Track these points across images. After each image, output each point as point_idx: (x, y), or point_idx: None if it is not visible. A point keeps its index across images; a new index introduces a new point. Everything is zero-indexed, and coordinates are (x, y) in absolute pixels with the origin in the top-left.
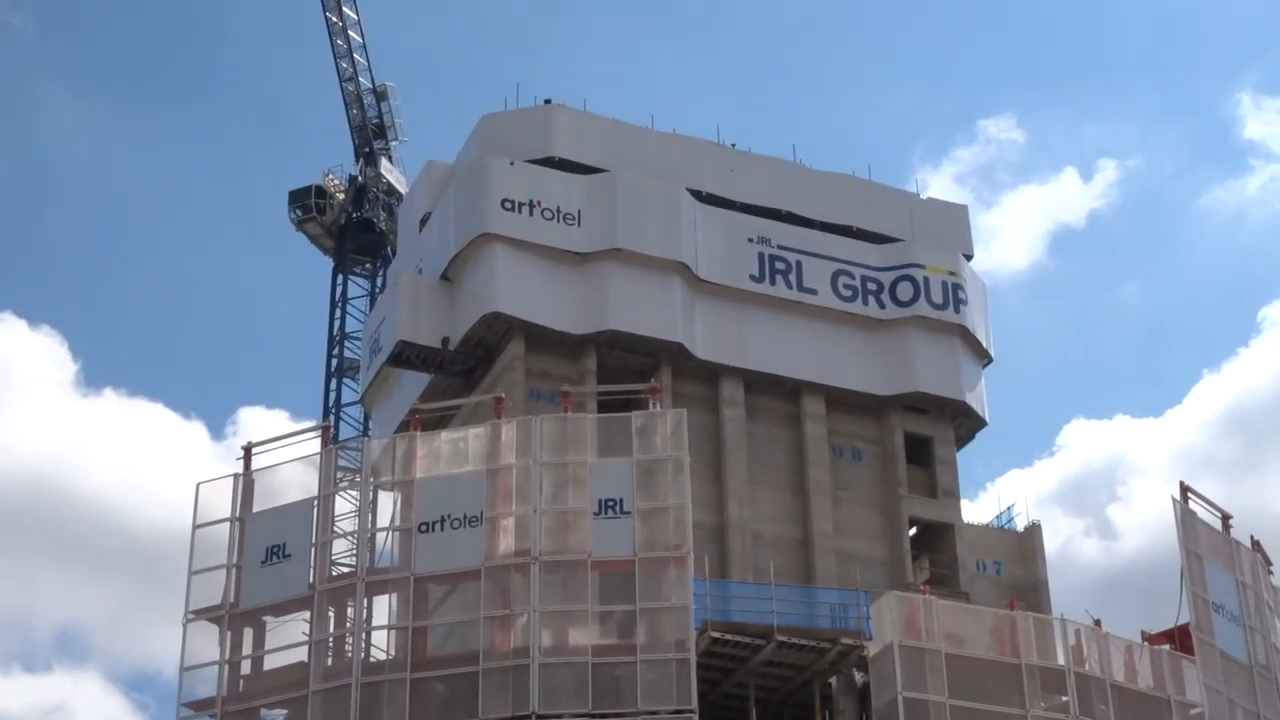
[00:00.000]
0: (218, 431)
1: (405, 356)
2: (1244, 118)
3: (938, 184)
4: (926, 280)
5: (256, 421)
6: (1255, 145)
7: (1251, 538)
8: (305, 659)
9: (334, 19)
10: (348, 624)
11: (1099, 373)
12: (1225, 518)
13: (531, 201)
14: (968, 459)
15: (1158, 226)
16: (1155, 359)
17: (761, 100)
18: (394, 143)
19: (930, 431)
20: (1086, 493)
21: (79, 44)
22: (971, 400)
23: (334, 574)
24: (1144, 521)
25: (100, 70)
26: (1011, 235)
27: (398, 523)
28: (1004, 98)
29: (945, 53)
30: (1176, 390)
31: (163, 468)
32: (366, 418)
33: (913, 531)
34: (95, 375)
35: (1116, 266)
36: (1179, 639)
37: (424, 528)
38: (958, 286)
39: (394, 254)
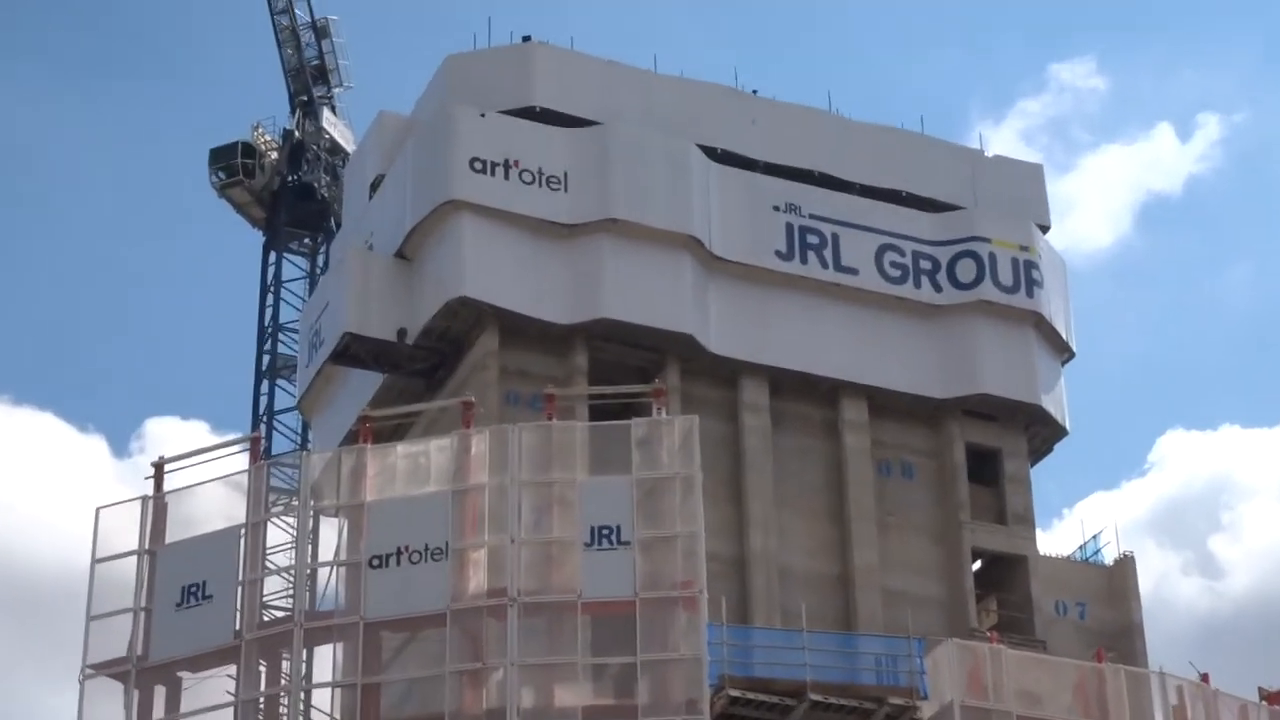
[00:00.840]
0: (121, 447)
1: (352, 352)
2: None
3: (1000, 143)
4: (993, 256)
5: (168, 435)
6: None
7: None
8: None
9: None
10: (283, 680)
11: (1199, 375)
12: None
13: (507, 161)
14: (1043, 477)
15: (1270, 196)
16: (1267, 357)
17: (787, 38)
18: (338, 90)
19: (998, 443)
20: (1185, 520)
21: None
22: (1049, 404)
23: (266, 619)
24: (1255, 555)
25: None
26: (1092, 206)
27: (344, 556)
28: (1081, 38)
29: None
30: None
31: (54, 490)
32: (305, 427)
33: (977, 565)
34: None
35: (1220, 245)
36: None
37: (376, 562)
38: (1031, 264)
39: (338, 226)
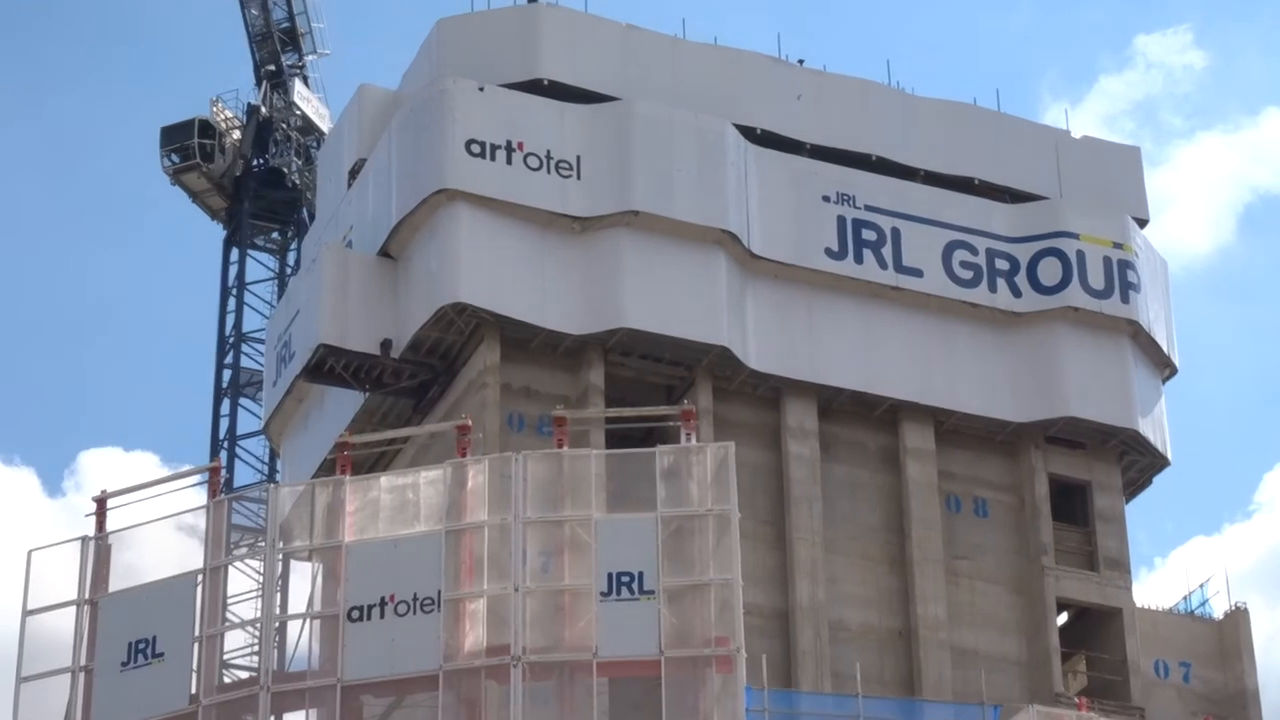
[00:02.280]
0: (53, 484)
1: (328, 367)
2: None
3: (1076, 130)
4: (1082, 255)
5: (107, 469)
6: None
7: None
8: None
9: None
10: None
11: None
12: None
13: (510, 143)
14: (1139, 516)
15: None
16: None
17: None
18: (311, 58)
19: (1087, 475)
20: None
21: None
22: (1147, 429)
23: (227, 680)
24: None
25: None
26: (1187, 207)
27: (319, 607)
28: (1175, 5)
29: None
30: None
31: None
32: (273, 455)
33: (1063, 619)
34: None
35: None
36: None
37: (356, 614)
38: (1127, 264)
39: (312, 219)
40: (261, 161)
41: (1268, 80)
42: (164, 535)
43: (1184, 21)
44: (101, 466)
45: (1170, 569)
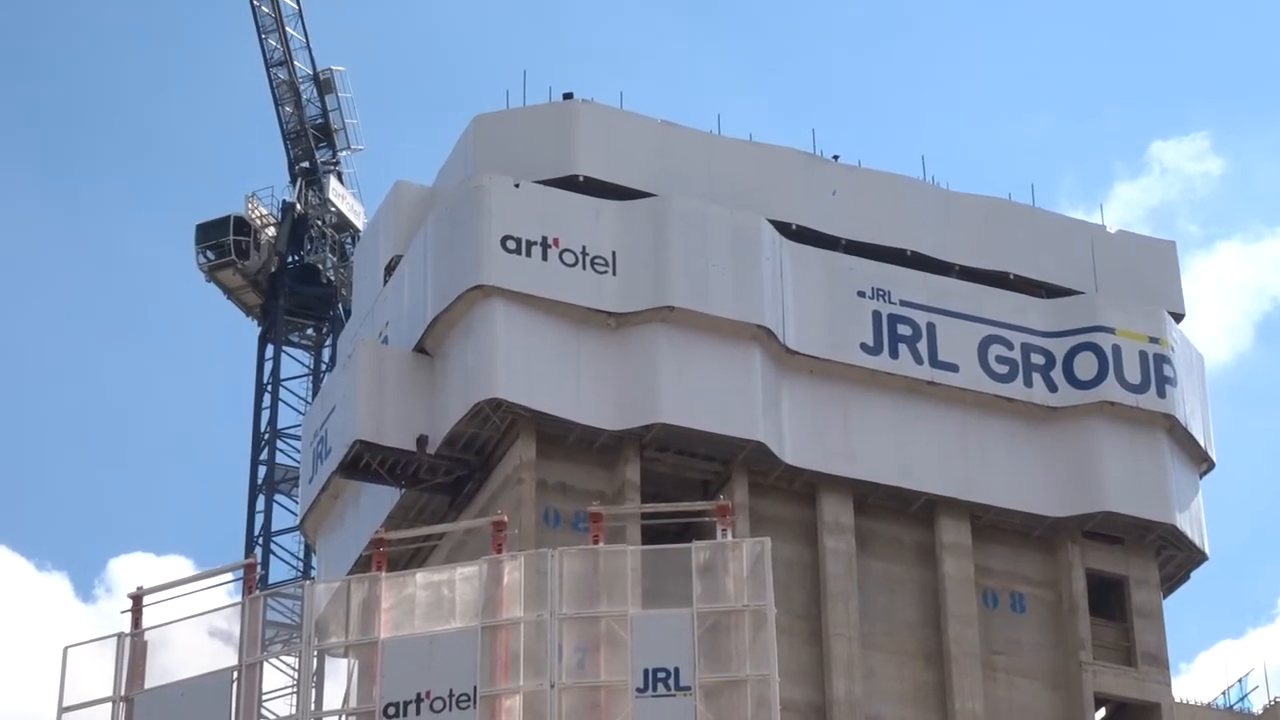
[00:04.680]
0: (85, 589)
1: (364, 463)
2: None
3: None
4: (1118, 350)
5: (138, 575)
6: None
7: None
8: None
9: None
10: None
11: None
12: None
13: (545, 239)
14: (1177, 611)
15: None
16: None
17: (870, 98)
18: (345, 153)
19: (1125, 570)
20: None
21: None
22: (1184, 524)
23: None
24: None
25: None
26: (1205, 315)
27: (354, 704)
28: (1192, 110)
29: (1106, 52)
30: None
31: (11, 635)
32: (308, 551)
33: (1101, 715)
34: None
35: None
36: None
37: (392, 711)
38: (1163, 359)
39: (348, 315)
40: (296, 258)
41: None
42: (197, 639)
43: (1202, 129)
44: (132, 572)
45: (1208, 662)
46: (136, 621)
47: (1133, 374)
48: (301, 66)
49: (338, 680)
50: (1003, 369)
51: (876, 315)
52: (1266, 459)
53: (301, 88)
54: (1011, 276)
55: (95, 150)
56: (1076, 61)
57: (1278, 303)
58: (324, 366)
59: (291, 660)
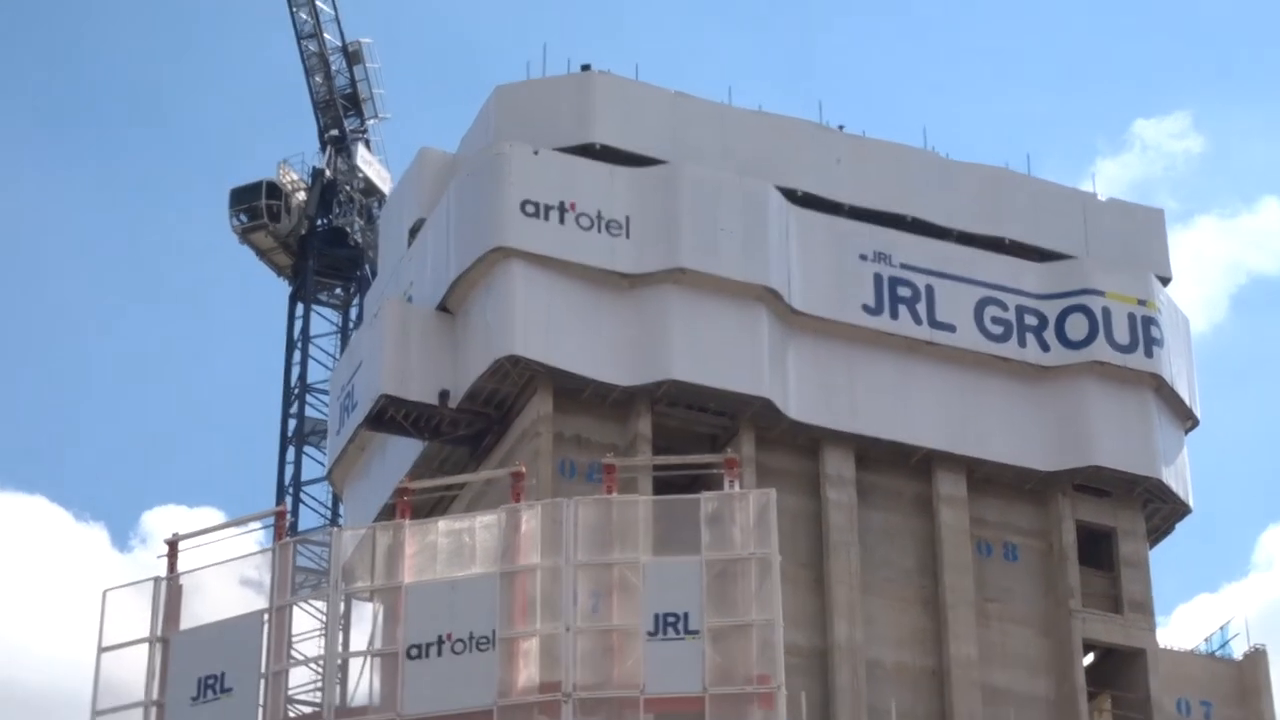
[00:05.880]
0: (122, 540)
1: (389, 416)
2: None
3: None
4: (1108, 312)
5: (172, 526)
6: None
7: None
8: None
9: None
10: None
11: None
12: None
13: (563, 204)
14: (1162, 561)
15: None
16: None
17: (875, 70)
18: (372, 122)
19: (1113, 521)
20: None
21: None
22: (1170, 478)
23: (291, 715)
24: None
25: None
26: (1182, 286)
27: (379, 645)
28: (1174, 90)
29: (1092, 32)
30: None
31: (52, 583)
32: (336, 500)
33: (1089, 659)
34: None
35: None
36: None
37: (415, 652)
38: (1151, 321)
39: (374, 275)
40: (325, 221)
41: (1265, 167)
42: (229, 586)
43: (1183, 107)
44: (166, 523)
45: (1186, 615)
46: (172, 566)
47: (1121, 335)
48: (331, 39)
49: (363, 623)
50: (998, 329)
51: (878, 277)
52: (1242, 425)
53: (331, 59)
54: (1007, 241)
55: (136, 120)
56: (1065, 42)
57: (1253, 276)
58: (351, 324)
59: (320, 604)
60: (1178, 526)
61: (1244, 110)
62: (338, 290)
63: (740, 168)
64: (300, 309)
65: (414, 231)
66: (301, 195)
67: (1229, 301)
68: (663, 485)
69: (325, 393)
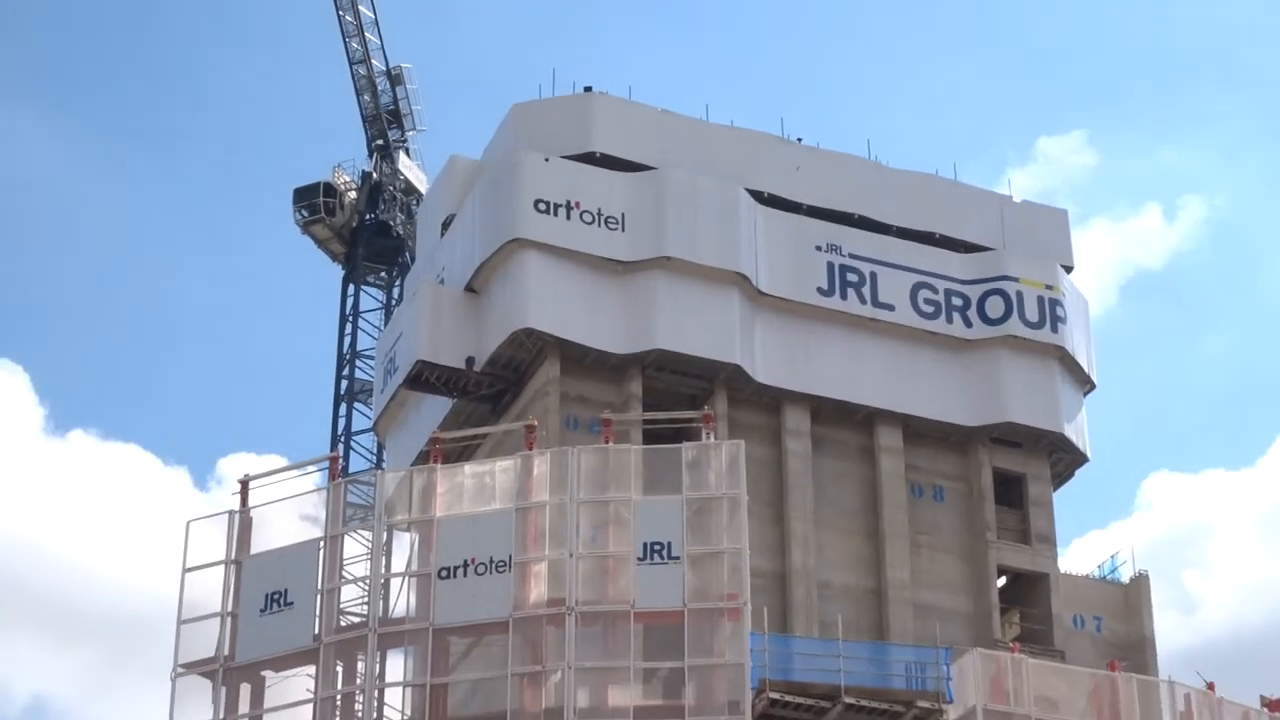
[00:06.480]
0: (202, 481)
1: (424, 378)
2: None
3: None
4: (1020, 295)
5: (243, 470)
6: None
7: None
8: (310, 719)
9: None
10: (358, 680)
11: (1179, 435)
12: None
13: (569, 202)
14: (1065, 500)
15: (1244, 275)
16: (1241, 419)
17: (828, 90)
18: (411, 133)
19: (1023, 468)
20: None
21: (37, 59)
22: (1070, 432)
23: (342, 624)
24: (1231, 589)
25: (63, 84)
26: (1079, 278)
27: (415, 567)
28: (1072, 113)
29: (1005, 63)
30: (1263, 445)
31: (142, 518)
32: (380, 448)
33: (1001, 582)
34: (63, 416)
35: (1199, 319)
36: None
37: (445, 573)
38: (1056, 302)
39: (412, 261)
40: (372, 216)
41: (1148, 178)
42: (290, 522)
43: (1080, 127)
44: (239, 467)
45: (1080, 548)
46: (244, 502)
47: (1032, 313)
48: (377, 64)
49: (402, 549)
50: (929, 309)
51: (830, 265)
52: (1129, 390)
53: (377, 81)
54: (937, 235)
55: (215, 134)
56: (984, 71)
57: (1138, 269)
58: (393, 302)
59: (366, 533)
60: (1077, 473)
61: (1131, 130)
62: (382, 274)
63: (716, 173)
64: (351, 289)
65: (445, 225)
66: (353, 194)
67: (1118, 290)
68: (651, 436)
69: (371, 359)
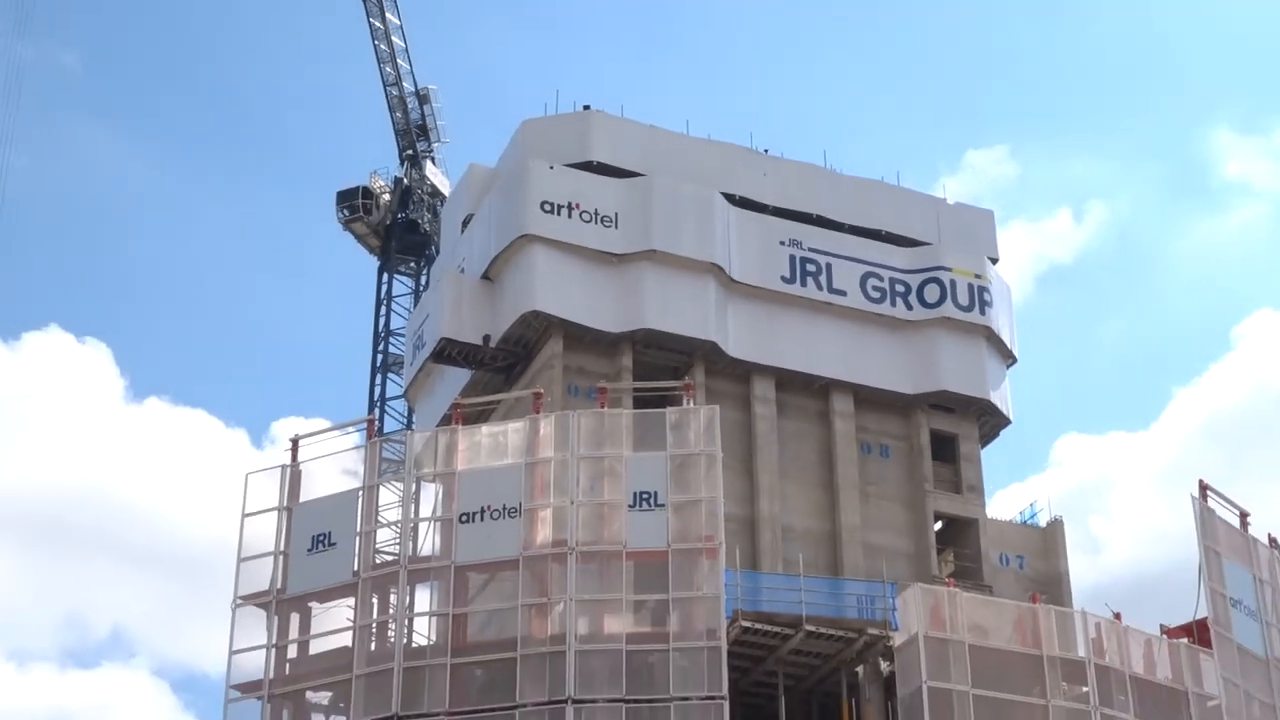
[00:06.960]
0: (258, 441)
1: (447, 353)
2: (1222, 155)
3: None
4: (953, 282)
5: (294, 430)
6: (1233, 184)
7: (1269, 535)
8: (350, 644)
9: (377, 24)
10: (390, 610)
11: (1084, 404)
12: (1243, 515)
13: (570, 204)
14: (991, 457)
15: (1136, 268)
16: (1137, 389)
17: (790, 108)
18: (436, 145)
19: (955, 429)
20: (1077, 507)
21: (120, 77)
22: (996, 399)
23: (378, 562)
24: (1132, 534)
25: (140, 93)
26: (1005, 267)
27: (439, 513)
28: (996, 129)
29: (938, 83)
30: (1157, 411)
31: (207, 472)
32: (410, 412)
33: (938, 526)
34: (141, 385)
35: (1101, 305)
36: (1197, 633)
37: (464, 518)
38: (983, 289)
39: (437, 253)
40: (404, 215)
41: (1061, 187)
42: (333, 473)
43: (1003, 142)
44: (289, 428)
45: (1004, 498)
46: (294, 457)
47: (963, 299)
48: (408, 86)
49: (429, 497)
50: (876, 294)
51: (792, 258)
52: (1044, 365)
53: (408, 100)
54: (882, 232)
55: (271, 146)
56: (921, 93)
57: (1051, 263)
58: (421, 288)
59: (398, 484)
60: (1001, 433)
61: (1047, 145)
62: (411, 264)
63: (695, 179)
64: (385, 277)
65: (465, 223)
66: (387, 197)
67: (1035, 280)
68: (640, 402)
69: (403, 336)
